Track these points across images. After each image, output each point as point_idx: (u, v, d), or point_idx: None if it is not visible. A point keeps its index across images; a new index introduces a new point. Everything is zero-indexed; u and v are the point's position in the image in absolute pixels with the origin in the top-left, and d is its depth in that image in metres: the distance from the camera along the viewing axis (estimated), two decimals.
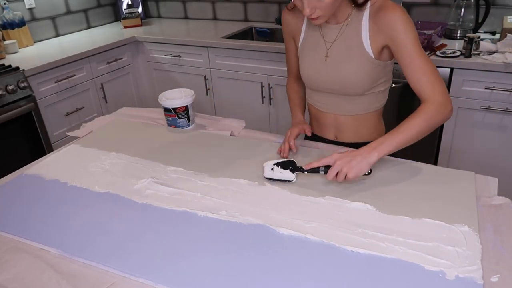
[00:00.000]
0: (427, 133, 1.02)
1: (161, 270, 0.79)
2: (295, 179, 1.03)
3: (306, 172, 1.02)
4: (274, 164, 1.04)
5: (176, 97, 1.38)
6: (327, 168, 0.99)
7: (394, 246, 0.80)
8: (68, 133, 1.50)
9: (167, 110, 1.36)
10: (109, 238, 0.89)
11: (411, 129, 0.99)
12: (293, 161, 1.06)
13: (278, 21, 2.82)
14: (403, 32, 1.02)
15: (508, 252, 0.77)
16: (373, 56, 1.10)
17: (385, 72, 1.15)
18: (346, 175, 0.95)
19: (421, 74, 1.02)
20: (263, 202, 0.97)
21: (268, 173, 1.04)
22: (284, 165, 1.04)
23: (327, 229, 0.86)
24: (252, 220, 0.90)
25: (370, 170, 0.99)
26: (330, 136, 1.29)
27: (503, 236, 0.81)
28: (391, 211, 0.90)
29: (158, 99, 1.36)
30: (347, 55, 1.12)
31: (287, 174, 1.03)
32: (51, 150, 2.33)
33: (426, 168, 1.06)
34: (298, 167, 1.04)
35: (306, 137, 1.29)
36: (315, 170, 1.01)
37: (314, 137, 1.30)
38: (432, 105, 1.01)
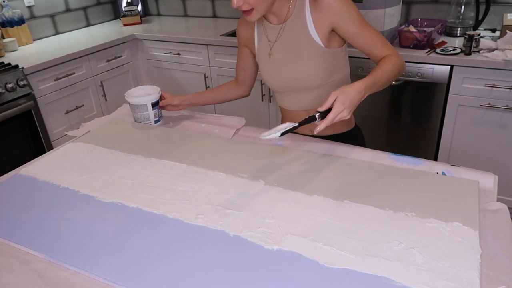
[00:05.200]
0: (395, 76, 1.08)
1: (149, 281, 0.77)
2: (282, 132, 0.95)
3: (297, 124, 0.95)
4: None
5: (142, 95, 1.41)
6: (322, 113, 0.95)
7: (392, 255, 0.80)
8: (66, 133, 1.51)
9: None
10: (97, 245, 0.86)
11: (386, 71, 1.05)
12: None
13: None
14: (345, 11, 1.07)
15: (510, 261, 0.75)
16: (322, 45, 1.13)
17: (338, 60, 1.18)
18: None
19: (374, 40, 1.11)
20: (261, 207, 0.96)
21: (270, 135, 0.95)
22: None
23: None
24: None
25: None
26: (305, 132, 1.32)
27: (503, 244, 0.80)
28: (391, 216, 0.90)
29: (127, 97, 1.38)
30: (295, 50, 1.15)
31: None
32: (51, 148, 2.33)
33: (428, 175, 1.03)
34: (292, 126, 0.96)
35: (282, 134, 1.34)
36: (309, 120, 0.95)
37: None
38: (395, 56, 1.09)
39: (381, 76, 1.04)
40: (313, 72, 1.16)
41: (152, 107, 1.38)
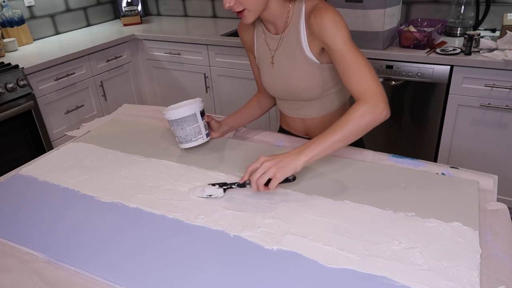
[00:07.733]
0: (359, 133, 0.98)
1: (149, 281, 0.77)
2: (222, 194, 0.98)
3: (235, 186, 0.98)
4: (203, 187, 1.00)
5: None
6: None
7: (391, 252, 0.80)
8: (66, 133, 1.51)
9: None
10: (97, 245, 0.86)
11: (340, 131, 0.96)
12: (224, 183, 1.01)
13: None
14: (332, 33, 1.00)
15: (510, 262, 0.75)
16: (317, 61, 1.09)
17: (334, 74, 1.13)
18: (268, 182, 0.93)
19: (352, 73, 1.00)
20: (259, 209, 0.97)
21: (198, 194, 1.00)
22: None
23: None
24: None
25: (295, 176, 0.95)
26: (301, 135, 1.32)
27: (503, 244, 0.80)
28: (391, 216, 0.90)
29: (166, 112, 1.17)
30: (291, 63, 1.13)
31: (216, 191, 0.98)
32: (51, 148, 2.33)
33: (429, 174, 1.03)
34: (229, 184, 0.99)
35: (280, 130, 1.37)
36: (242, 185, 0.97)
37: (287, 132, 1.35)
38: (363, 105, 0.97)
39: (332, 142, 0.95)
40: (309, 86, 1.13)
41: (201, 117, 1.17)
